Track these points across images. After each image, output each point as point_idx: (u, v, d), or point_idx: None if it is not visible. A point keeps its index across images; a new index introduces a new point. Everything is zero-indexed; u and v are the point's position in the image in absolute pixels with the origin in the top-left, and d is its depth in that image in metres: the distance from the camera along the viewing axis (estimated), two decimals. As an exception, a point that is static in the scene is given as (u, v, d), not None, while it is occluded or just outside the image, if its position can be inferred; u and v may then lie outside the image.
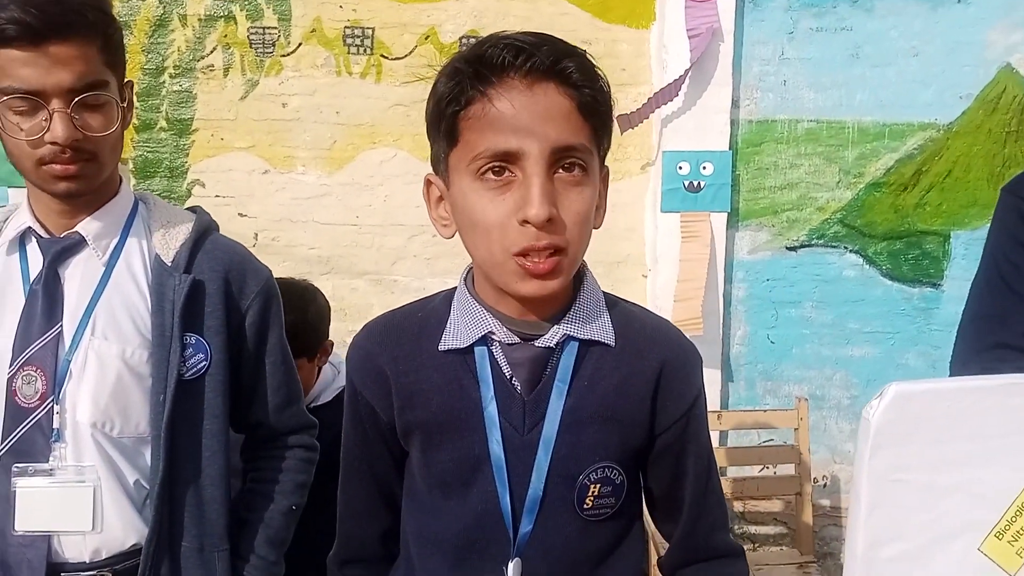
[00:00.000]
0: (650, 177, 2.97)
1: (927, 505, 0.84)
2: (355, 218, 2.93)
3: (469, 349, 0.97)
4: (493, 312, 0.97)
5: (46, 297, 1.21)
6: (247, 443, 1.44)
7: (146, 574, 1.22)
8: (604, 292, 1.03)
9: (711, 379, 2.88)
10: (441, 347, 0.99)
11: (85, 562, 1.22)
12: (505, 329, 0.96)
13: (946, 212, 3.00)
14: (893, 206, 2.99)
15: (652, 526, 1.14)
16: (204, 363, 1.27)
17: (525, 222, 0.87)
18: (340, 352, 1.72)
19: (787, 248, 3.00)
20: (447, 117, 0.91)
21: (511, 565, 0.96)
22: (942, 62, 2.92)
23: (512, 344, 0.97)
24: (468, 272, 1.02)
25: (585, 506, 0.97)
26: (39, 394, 1.19)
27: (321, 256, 2.93)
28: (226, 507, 1.30)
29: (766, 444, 2.99)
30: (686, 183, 2.86)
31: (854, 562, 0.85)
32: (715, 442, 2.80)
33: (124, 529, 1.23)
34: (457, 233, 0.96)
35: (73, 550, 1.22)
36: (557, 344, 0.97)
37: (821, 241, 3.00)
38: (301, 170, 2.90)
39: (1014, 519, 0.86)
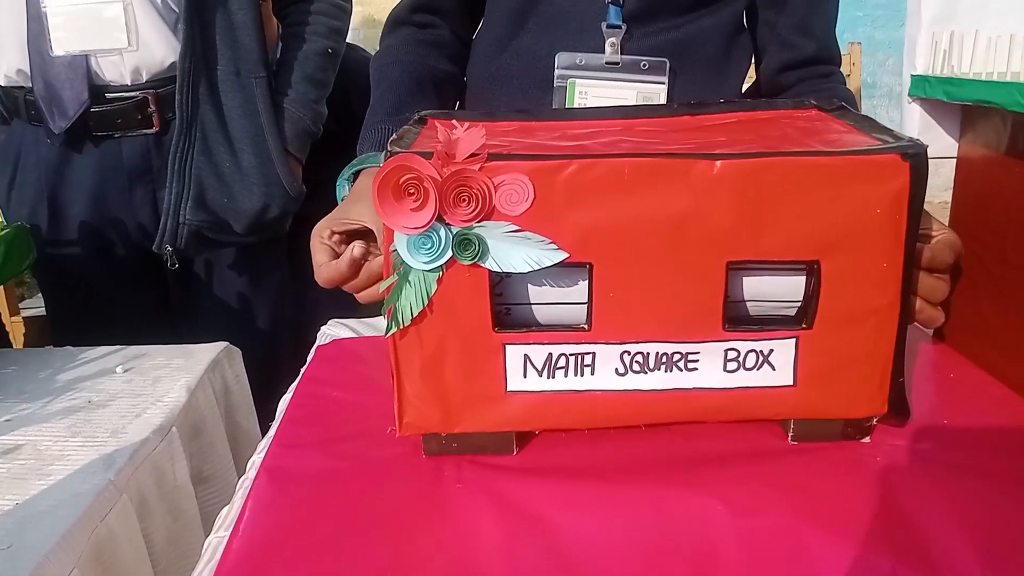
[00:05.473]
0: None
1: None
2: None
3: None
4: None
5: None
6: (278, 2, 1.40)
7: (185, 91, 1.22)
8: None
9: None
10: None
11: (127, 84, 1.23)
12: None
13: None
14: None
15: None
16: None
17: None
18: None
19: None
20: None
21: None
22: None
23: None
24: None
25: None
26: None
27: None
28: (259, 35, 1.28)
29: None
30: None
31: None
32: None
33: (161, 47, 1.22)
34: None
35: (113, 71, 1.22)
36: None
37: None
38: None
39: None
